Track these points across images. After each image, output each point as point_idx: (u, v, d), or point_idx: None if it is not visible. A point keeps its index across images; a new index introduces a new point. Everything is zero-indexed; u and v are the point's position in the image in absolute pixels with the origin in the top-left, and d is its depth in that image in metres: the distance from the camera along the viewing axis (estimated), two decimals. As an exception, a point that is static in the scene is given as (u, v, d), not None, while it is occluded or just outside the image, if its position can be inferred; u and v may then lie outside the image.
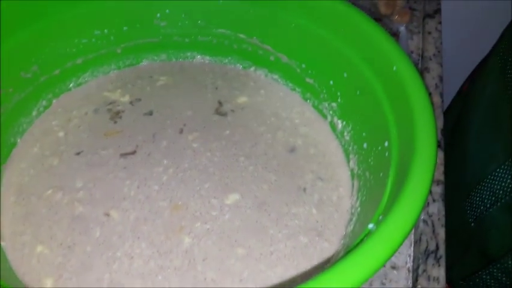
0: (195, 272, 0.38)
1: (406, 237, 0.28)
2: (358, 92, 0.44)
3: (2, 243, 0.39)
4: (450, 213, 0.48)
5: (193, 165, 0.46)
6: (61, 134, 0.48)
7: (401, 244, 0.28)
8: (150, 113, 0.51)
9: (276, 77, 0.55)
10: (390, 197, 0.33)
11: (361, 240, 0.29)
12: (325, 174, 0.46)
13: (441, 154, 0.50)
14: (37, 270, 0.38)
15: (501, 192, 0.55)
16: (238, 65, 0.56)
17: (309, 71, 0.50)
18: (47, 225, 0.41)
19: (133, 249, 0.39)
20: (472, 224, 0.61)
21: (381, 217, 0.31)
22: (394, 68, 0.39)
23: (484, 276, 0.58)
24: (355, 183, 0.44)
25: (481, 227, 0.59)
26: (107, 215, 0.42)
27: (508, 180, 0.54)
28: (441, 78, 0.58)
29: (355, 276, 0.26)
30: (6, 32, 0.43)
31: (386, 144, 0.38)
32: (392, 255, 0.27)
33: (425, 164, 0.31)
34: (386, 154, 0.38)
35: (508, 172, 0.54)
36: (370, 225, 0.32)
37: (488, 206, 0.57)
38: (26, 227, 0.41)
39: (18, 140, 0.47)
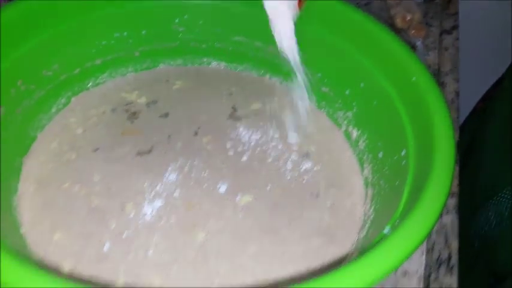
0: (207, 266, 0.39)
1: (422, 241, 0.29)
2: (375, 102, 0.44)
3: (21, 229, 0.40)
4: None
5: (207, 166, 0.46)
6: (79, 130, 0.49)
7: (417, 248, 0.28)
8: (166, 115, 0.52)
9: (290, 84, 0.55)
10: (407, 204, 0.34)
11: (377, 243, 0.29)
12: (338, 182, 0.47)
13: (456, 167, 0.50)
14: (55, 256, 0.39)
15: (507, 213, 0.55)
16: (253, 72, 0.57)
17: (325, 80, 0.51)
18: (65, 215, 0.41)
19: (148, 242, 0.40)
20: (476, 244, 0.61)
21: (397, 222, 0.32)
22: (413, 79, 0.39)
23: None
24: (369, 191, 0.45)
25: (486, 246, 0.59)
26: (123, 209, 0.42)
27: None
28: (457, 94, 0.59)
29: (370, 275, 0.26)
30: (31, 32, 0.44)
31: (403, 153, 0.38)
32: (408, 257, 0.28)
33: (444, 170, 0.32)
34: (403, 163, 0.38)
35: None
36: (386, 230, 0.32)
37: (493, 226, 0.57)
38: (44, 216, 0.41)
39: (38, 135, 0.48)
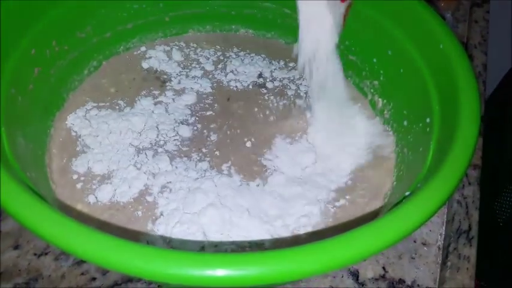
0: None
1: (442, 204, 0.29)
2: (401, 70, 0.44)
3: (52, 186, 0.42)
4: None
5: (240, 126, 0.48)
6: (112, 90, 0.50)
7: (437, 210, 0.29)
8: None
9: (318, 53, 0.55)
10: (430, 169, 0.34)
11: (399, 202, 0.30)
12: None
13: (480, 140, 0.50)
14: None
15: None
16: (280, 40, 0.57)
17: (353, 48, 0.51)
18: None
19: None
20: (501, 224, 0.60)
21: (419, 185, 0.32)
22: (441, 46, 0.39)
23: None
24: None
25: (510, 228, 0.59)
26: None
27: None
28: (485, 67, 0.58)
29: (389, 234, 0.27)
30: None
31: (428, 120, 0.39)
32: (427, 218, 0.28)
33: (468, 135, 0.32)
34: (428, 130, 0.38)
35: None
36: (407, 193, 0.33)
37: None
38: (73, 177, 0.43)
39: (70, 95, 0.49)
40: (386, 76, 0.47)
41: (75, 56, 0.48)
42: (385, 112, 0.48)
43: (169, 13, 0.55)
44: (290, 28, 0.55)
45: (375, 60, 0.48)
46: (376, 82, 0.49)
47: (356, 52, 0.50)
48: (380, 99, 0.49)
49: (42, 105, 0.45)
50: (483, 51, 0.60)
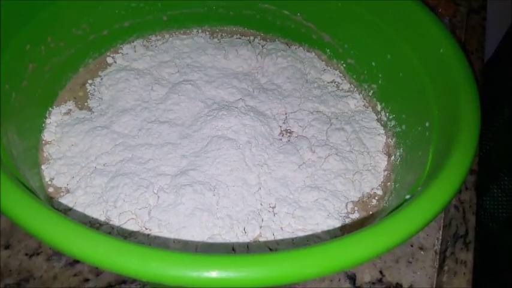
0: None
1: (443, 208, 0.29)
2: (400, 74, 0.44)
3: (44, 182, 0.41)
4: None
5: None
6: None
7: (439, 213, 0.28)
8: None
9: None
10: (429, 173, 0.34)
11: (399, 206, 0.29)
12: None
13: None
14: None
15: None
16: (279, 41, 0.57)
17: (351, 52, 0.51)
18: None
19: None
20: (490, 225, 0.61)
21: (419, 188, 0.32)
22: (441, 51, 0.39)
23: None
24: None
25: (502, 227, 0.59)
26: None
27: None
28: (482, 73, 0.58)
29: (390, 237, 0.27)
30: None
31: (427, 124, 0.38)
32: (429, 222, 0.28)
33: (468, 140, 0.32)
34: (427, 134, 0.38)
35: None
36: (408, 196, 0.33)
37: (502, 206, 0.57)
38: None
39: (61, 92, 0.48)
40: (385, 80, 0.47)
41: (71, 53, 0.48)
42: (383, 115, 0.48)
43: (167, 12, 0.55)
44: (289, 30, 0.55)
45: (373, 63, 0.48)
46: (374, 85, 0.49)
47: (355, 55, 0.50)
48: (378, 103, 0.48)
49: (36, 102, 0.44)
50: (480, 58, 0.60)
